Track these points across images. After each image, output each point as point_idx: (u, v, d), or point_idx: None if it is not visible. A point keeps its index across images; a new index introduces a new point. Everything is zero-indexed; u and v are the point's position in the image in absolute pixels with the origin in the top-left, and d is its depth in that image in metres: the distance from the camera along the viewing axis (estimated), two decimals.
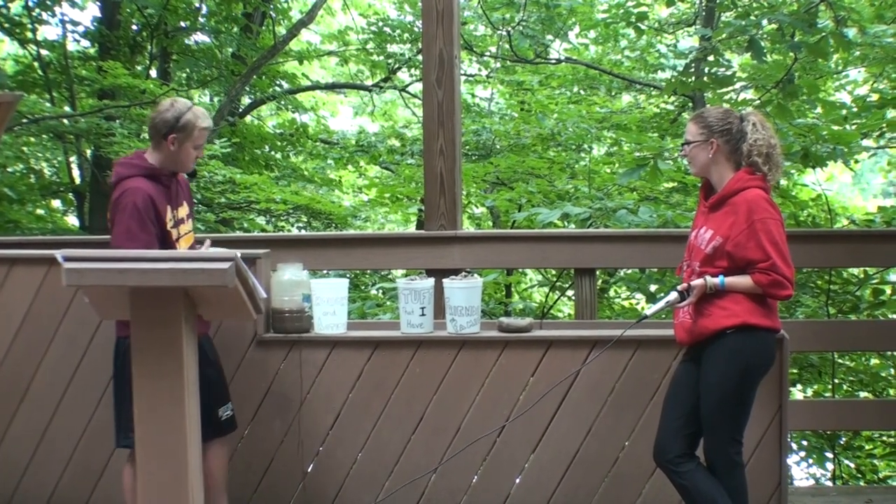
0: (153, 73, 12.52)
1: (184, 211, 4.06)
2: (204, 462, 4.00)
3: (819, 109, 8.56)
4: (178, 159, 3.95)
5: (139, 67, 12.19)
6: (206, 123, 4.00)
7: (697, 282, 3.62)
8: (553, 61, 13.34)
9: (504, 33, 12.03)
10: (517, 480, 4.37)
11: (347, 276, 6.54)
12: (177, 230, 3.95)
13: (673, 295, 3.68)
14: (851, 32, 8.13)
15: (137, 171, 3.87)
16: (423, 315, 4.35)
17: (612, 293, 10.21)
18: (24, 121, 9.83)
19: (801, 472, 7.66)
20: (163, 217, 3.86)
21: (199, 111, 3.99)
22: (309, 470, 4.43)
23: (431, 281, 4.41)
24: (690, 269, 3.74)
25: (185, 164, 4.01)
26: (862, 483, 7.51)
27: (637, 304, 9.57)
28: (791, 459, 7.18)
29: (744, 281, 3.56)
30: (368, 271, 6.67)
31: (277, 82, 13.89)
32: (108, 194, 10.66)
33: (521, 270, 10.69)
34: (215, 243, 4.36)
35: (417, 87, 13.67)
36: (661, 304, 3.73)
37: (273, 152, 13.89)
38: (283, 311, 4.37)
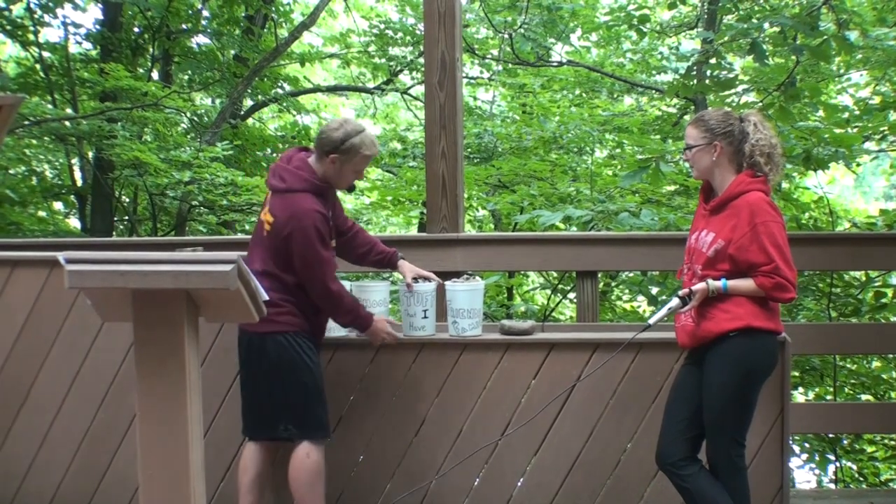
0: (155, 75, 12.52)
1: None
2: (264, 459, 4.12)
3: (821, 112, 8.57)
4: (336, 178, 4.03)
5: (141, 70, 12.19)
6: (370, 151, 4.04)
7: (699, 286, 3.61)
8: (555, 64, 13.35)
9: (506, 36, 12.03)
10: (519, 483, 4.36)
11: (349, 278, 6.53)
12: None
13: (675, 301, 3.67)
14: (853, 35, 8.14)
15: (307, 186, 3.94)
16: (425, 317, 4.35)
17: (613, 296, 10.21)
18: (26, 123, 9.84)
19: (803, 474, 7.65)
20: (329, 229, 4.01)
21: (368, 138, 4.02)
22: None
23: (433, 283, 4.41)
24: (692, 272, 3.73)
25: (341, 184, 4.10)
26: (864, 486, 7.50)
27: (639, 306, 9.55)
28: (793, 462, 7.17)
29: (746, 284, 3.56)
30: (370, 273, 6.68)
31: (279, 84, 13.90)
32: (108, 196, 10.51)
33: (522, 273, 10.69)
34: (215, 246, 4.37)
35: (419, 90, 13.67)
36: (663, 310, 3.72)
37: (275, 155, 13.88)
38: None
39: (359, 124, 4.05)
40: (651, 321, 3.78)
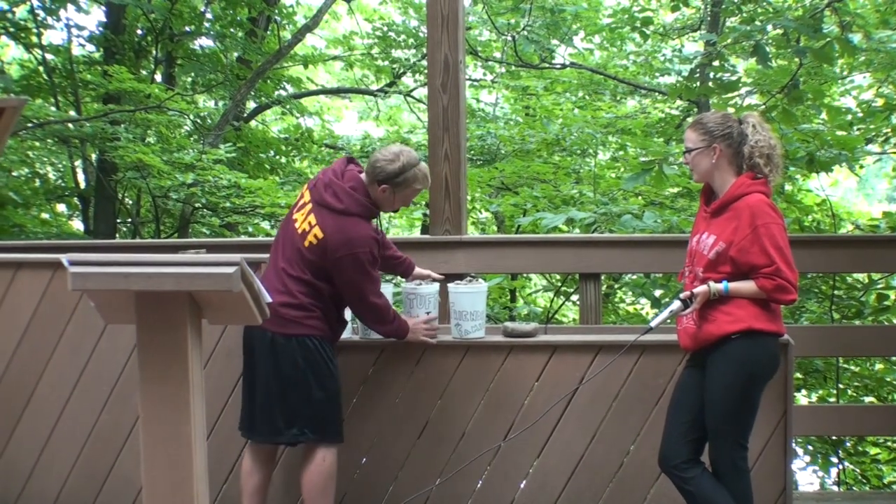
0: (158, 77, 12.53)
1: None
2: (267, 463, 4.17)
3: (824, 115, 8.56)
4: (384, 204, 4.06)
5: (144, 72, 12.20)
6: (421, 185, 4.09)
7: (701, 288, 3.60)
8: (558, 66, 13.35)
9: (509, 38, 12.05)
10: (521, 486, 4.36)
11: None
12: None
13: (676, 304, 3.66)
14: (856, 38, 8.14)
15: (363, 211, 3.96)
16: None
17: (616, 298, 10.21)
18: (29, 125, 9.85)
19: (806, 476, 7.64)
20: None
21: (421, 172, 4.04)
22: None
23: (436, 286, 4.41)
24: (693, 275, 3.73)
25: (386, 209, 4.13)
26: (867, 488, 7.50)
27: (642, 309, 9.56)
28: (796, 465, 7.17)
29: (748, 286, 3.55)
30: None
31: (282, 87, 13.90)
32: (112, 198, 10.46)
33: (525, 275, 10.70)
34: (218, 248, 4.37)
35: (422, 92, 13.68)
36: (664, 313, 3.71)
37: (278, 157, 13.90)
38: None
39: (413, 156, 4.04)
40: (653, 324, 3.77)
